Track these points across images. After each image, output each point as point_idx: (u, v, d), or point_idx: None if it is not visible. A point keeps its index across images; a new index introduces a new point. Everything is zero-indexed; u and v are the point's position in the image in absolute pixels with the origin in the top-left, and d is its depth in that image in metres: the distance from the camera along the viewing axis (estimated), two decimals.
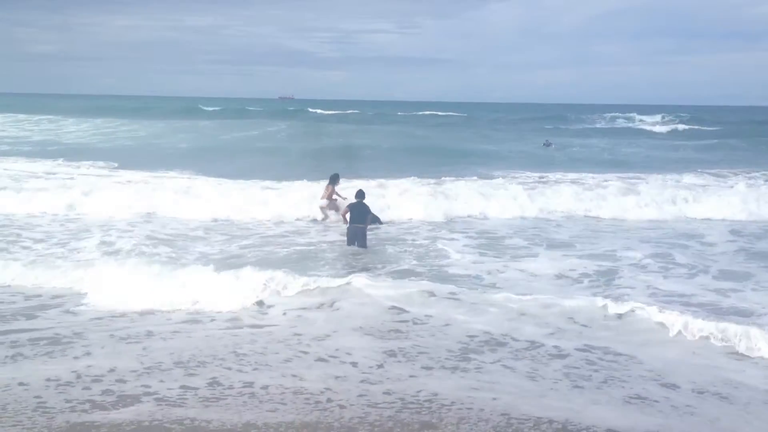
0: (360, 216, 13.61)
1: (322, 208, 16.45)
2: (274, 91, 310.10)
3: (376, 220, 14.96)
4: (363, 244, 13.42)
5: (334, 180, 16.66)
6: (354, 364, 7.34)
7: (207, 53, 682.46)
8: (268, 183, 20.13)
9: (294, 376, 6.99)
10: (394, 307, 9.23)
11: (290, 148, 34.88)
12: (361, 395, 6.56)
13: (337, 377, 6.99)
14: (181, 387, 6.66)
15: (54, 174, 23.47)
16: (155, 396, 6.44)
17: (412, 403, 6.41)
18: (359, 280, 10.01)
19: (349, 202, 14.81)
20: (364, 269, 11.57)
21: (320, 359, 7.48)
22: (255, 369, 7.16)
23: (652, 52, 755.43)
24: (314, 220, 16.36)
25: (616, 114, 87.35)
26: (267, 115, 71.71)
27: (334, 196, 16.56)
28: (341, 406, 6.31)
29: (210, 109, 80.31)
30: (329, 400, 6.43)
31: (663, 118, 77.60)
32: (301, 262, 12.07)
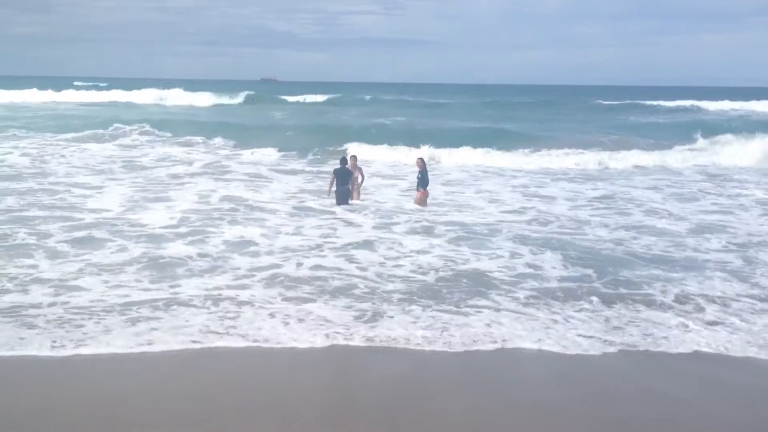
0: (345, 179, 16.37)
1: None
2: (257, 73, 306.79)
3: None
4: (346, 202, 16.18)
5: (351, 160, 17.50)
6: None
7: (190, 34, 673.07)
8: None
9: None
10: None
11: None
12: None
13: None
14: None
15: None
16: None
17: None
18: None
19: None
20: None
21: None
22: None
23: (632, 33, 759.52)
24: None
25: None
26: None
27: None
28: None
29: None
30: None
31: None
32: None
